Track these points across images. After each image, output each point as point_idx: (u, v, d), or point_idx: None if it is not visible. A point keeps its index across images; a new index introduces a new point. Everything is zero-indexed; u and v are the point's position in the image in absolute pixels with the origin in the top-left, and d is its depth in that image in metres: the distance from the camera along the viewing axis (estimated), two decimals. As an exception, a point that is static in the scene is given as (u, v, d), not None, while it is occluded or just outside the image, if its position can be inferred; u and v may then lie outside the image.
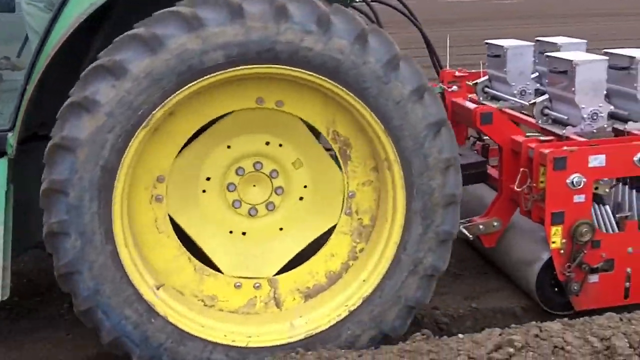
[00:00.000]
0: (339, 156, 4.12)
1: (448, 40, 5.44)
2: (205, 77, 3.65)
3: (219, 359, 3.91)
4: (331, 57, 3.70)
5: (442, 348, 3.77)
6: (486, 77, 5.84)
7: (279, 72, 3.73)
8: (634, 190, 4.68)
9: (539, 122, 5.01)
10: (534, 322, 3.97)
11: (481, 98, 5.82)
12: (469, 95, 5.50)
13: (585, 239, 4.47)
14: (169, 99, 3.64)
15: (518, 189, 4.60)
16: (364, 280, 4.09)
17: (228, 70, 3.66)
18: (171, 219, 4.08)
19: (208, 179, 4.13)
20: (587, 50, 5.29)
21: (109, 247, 3.71)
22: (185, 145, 4.02)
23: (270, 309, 4.19)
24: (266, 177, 4.16)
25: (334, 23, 3.69)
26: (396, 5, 5.41)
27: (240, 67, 3.66)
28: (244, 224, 4.23)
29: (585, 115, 4.76)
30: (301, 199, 4.22)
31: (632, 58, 4.81)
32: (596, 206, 4.70)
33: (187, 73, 3.61)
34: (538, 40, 5.81)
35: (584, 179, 4.41)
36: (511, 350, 3.64)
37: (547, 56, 5.03)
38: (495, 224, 4.91)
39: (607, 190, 4.61)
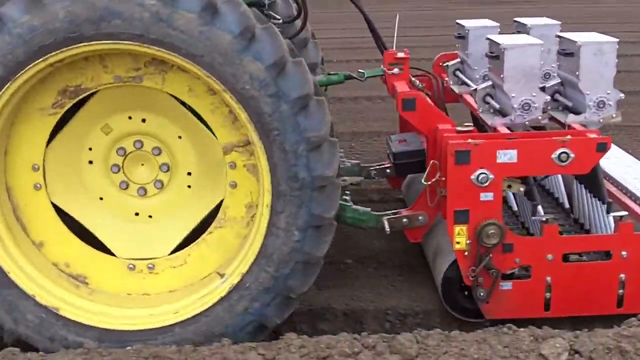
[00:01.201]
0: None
1: (397, 20, 5.05)
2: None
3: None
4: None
5: None
6: (458, 60, 5.48)
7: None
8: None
9: (480, 110, 4.61)
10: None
11: (451, 82, 5.46)
12: (414, 78, 5.11)
13: (492, 242, 4.04)
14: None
15: (425, 183, 4.23)
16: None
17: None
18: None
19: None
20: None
21: None
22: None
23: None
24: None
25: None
26: None
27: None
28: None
29: (515, 105, 4.33)
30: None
31: (574, 42, 4.31)
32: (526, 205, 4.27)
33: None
34: (515, 22, 5.37)
35: (492, 176, 3.98)
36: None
37: (487, 39, 4.59)
38: (421, 218, 4.53)
39: (521, 189, 4.16)
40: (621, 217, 4.20)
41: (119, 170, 4.05)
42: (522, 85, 4.28)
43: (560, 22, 5.12)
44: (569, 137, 3.95)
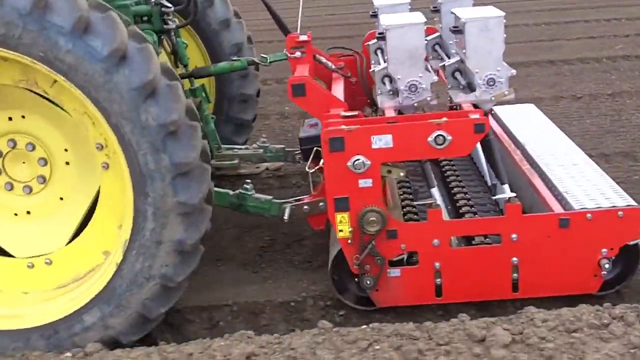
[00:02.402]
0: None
1: (301, 1, 4.93)
2: None
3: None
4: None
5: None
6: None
7: None
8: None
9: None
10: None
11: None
12: (327, 60, 4.99)
13: (374, 229, 3.95)
14: None
15: (309, 170, 4.15)
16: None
17: None
18: None
19: None
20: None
21: None
22: None
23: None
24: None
25: None
26: None
27: None
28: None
29: (402, 87, 4.20)
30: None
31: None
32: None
33: None
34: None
35: (368, 162, 3.88)
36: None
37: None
38: (321, 204, 4.46)
39: (401, 174, 4.05)
40: (509, 198, 4.06)
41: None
42: (408, 67, 4.16)
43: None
44: (444, 119, 3.83)
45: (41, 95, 3.87)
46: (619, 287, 4.15)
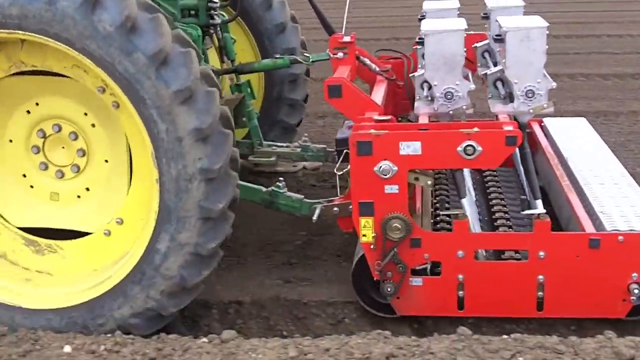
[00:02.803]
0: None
1: (348, 2, 4.89)
2: None
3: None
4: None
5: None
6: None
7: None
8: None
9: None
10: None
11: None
12: (371, 62, 4.94)
13: (398, 236, 3.91)
14: None
15: (337, 173, 4.12)
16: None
17: None
18: None
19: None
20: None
21: None
22: None
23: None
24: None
25: None
26: None
27: None
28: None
29: (438, 94, 4.14)
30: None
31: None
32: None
33: None
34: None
35: (395, 168, 3.83)
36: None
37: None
38: (350, 207, 4.42)
39: (429, 183, 3.99)
40: (538, 215, 3.96)
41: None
42: (444, 73, 4.09)
43: (523, 4, 4.85)
44: (475, 129, 3.75)
45: (33, 72, 3.92)
46: (650, 313, 4.01)
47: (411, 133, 3.83)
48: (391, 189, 3.89)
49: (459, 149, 3.76)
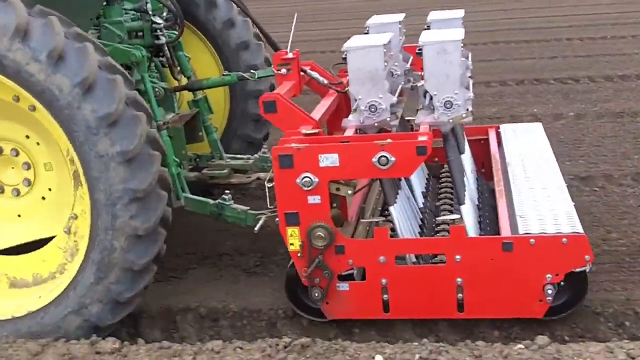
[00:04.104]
0: (72, 178, 4.20)
1: (295, 19, 5.09)
2: None
3: None
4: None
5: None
6: None
7: None
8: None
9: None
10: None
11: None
12: (320, 76, 5.13)
13: (322, 244, 4.12)
14: None
15: (268, 185, 4.35)
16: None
17: None
18: None
19: None
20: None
21: None
22: None
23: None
24: (20, 166, 4.35)
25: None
26: None
27: None
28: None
29: (362, 107, 4.35)
30: (43, 198, 4.37)
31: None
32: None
33: None
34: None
35: (316, 179, 4.04)
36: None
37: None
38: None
39: (349, 192, 4.18)
40: (454, 220, 4.14)
41: None
42: (369, 88, 4.29)
43: (462, 14, 5.06)
44: (388, 140, 3.95)
45: None
46: (567, 313, 4.16)
47: (329, 146, 4.03)
48: (314, 199, 4.09)
49: (374, 159, 3.95)
